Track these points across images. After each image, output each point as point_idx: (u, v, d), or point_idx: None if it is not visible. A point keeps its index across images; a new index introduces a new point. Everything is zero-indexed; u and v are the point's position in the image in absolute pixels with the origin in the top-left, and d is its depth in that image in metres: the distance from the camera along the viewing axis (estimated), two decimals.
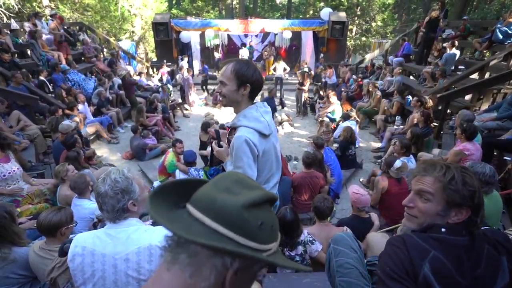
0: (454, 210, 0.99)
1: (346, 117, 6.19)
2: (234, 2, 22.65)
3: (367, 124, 7.39)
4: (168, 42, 11.90)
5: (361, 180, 4.91)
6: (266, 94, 7.44)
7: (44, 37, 7.96)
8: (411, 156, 4.07)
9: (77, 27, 11.04)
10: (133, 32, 18.61)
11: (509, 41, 6.27)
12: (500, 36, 6.40)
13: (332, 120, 6.78)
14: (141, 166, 5.44)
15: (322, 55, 11.84)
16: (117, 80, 8.36)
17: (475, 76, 6.24)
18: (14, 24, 8.04)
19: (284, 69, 10.11)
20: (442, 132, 5.37)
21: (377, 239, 1.65)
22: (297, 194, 3.76)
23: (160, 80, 10.31)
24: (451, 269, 0.92)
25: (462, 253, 0.95)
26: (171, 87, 9.59)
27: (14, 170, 3.38)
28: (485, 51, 7.17)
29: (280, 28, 12.08)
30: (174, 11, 21.30)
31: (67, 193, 3.03)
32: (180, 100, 8.97)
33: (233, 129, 1.58)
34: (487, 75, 6.00)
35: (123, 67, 9.87)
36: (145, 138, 5.93)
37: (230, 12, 21.77)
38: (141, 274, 1.20)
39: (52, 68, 7.01)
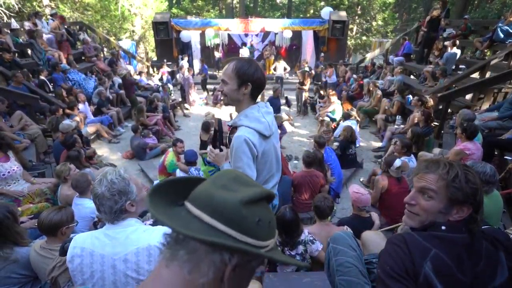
0: (456, 208, 0.99)
1: (346, 116, 6.19)
2: (235, 2, 22.62)
3: (367, 124, 7.39)
4: (168, 41, 11.90)
5: (361, 179, 4.91)
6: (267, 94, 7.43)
7: (45, 36, 7.96)
8: (412, 155, 4.07)
9: (77, 27, 11.05)
10: (133, 31, 18.60)
11: (510, 40, 6.25)
12: (501, 35, 6.38)
13: (333, 119, 6.78)
14: (142, 166, 5.44)
15: (322, 54, 11.83)
16: (117, 80, 8.36)
17: (476, 75, 6.23)
18: (14, 24, 8.04)
19: (285, 69, 10.10)
20: (442, 132, 5.37)
21: (372, 237, 1.65)
22: (297, 193, 3.76)
23: (160, 79, 10.31)
24: (452, 267, 0.92)
25: (462, 250, 0.95)
26: (171, 87, 9.60)
27: (13, 169, 3.38)
28: (486, 50, 7.16)
29: (280, 27, 12.07)
30: (174, 10, 21.29)
31: (68, 193, 3.04)
32: (180, 100, 8.98)
33: (234, 128, 1.57)
34: (488, 75, 5.98)
35: (123, 67, 9.87)
36: (146, 138, 5.94)
37: (230, 11, 21.75)
38: (140, 274, 1.20)
39: (53, 67, 7.02)
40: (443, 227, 0.99)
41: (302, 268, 2.28)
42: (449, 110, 5.65)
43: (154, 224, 1.87)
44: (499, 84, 5.66)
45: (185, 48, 12.29)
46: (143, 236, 1.24)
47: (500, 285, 0.94)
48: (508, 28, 6.32)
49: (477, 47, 7.33)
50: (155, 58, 14.35)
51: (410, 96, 6.93)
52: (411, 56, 9.31)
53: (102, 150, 6.04)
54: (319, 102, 8.35)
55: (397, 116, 6.40)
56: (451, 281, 0.91)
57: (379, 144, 6.16)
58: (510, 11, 6.83)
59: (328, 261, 1.45)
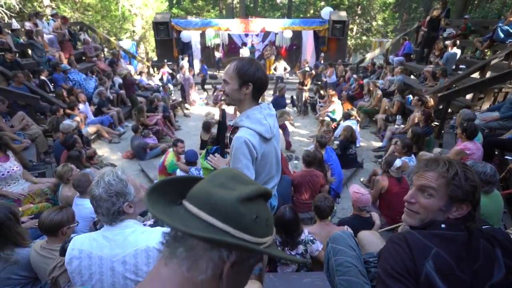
0: (455, 205, 1.00)
1: (347, 116, 6.19)
2: (235, 2, 22.62)
3: (367, 124, 7.38)
4: (168, 41, 11.91)
5: (361, 179, 4.91)
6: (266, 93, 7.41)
7: (45, 36, 7.96)
8: (412, 155, 4.07)
9: (78, 27, 11.05)
10: (133, 31, 18.61)
11: (511, 40, 6.24)
12: (502, 35, 6.37)
13: (333, 119, 6.77)
14: (142, 166, 5.44)
15: (322, 54, 11.83)
16: (118, 80, 8.37)
17: (476, 75, 6.22)
18: (15, 24, 8.05)
19: (285, 69, 10.10)
20: (443, 132, 5.36)
21: (368, 237, 1.66)
22: (297, 193, 3.76)
23: (161, 79, 10.32)
24: (453, 265, 0.92)
25: (461, 248, 0.95)
26: (171, 87, 9.61)
27: (13, 169, 3.38)
28: (486, 50, 7.15)
29: (280, 27, 12.07)
30: (174, 10, 21.30)
31: (68, 194, 3.03)
32: (180, 100, 8.98)
33: (235, 128, 1.56)
34: (488, 74, 5.98)
35: (124, 67, 9.88)
36: (146, 138, 5.94)
37: (230, 11, 21.75)
38: (139, 276, 1.19)
39: (53, 67, 7.03)
40: (442, 226, 0.99)
41: (301, 266, 2.28)
42: (449, 110, 5.65)
43: (155, 223, 1.87)
44: (499, 84, 5.66)
45: (186, 48, 12.29)
46: (141, 238, 1.22)
47: (497, 283, 0.95)
48: (508, 28, 6.32)
49: (477, 47, 7.32)
50: (155, 58, 14.36)
51: (410, 96, 6.93)
52: (411, 56, 9.31)
53: (102, 150, 6.04)
54: (319, 102, 8.35)
55: (397, 116, 6.40)
56: (452, 280, 0.92)
57: (379, 144, 6.16)
58: (510, 11, 6.82)
59: (328, 261, 1.45)
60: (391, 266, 0.95)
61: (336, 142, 5.60)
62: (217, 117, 7.80)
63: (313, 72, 10.43)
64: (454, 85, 6.08)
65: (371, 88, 7.56)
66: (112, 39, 13.42)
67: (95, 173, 3.84)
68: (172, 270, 0.52)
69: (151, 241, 1.21)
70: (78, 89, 7.03)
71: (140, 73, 10.24)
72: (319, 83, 10.01)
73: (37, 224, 1.98)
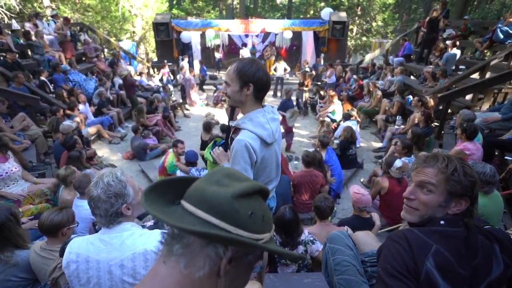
0: (454, 201, 1.00)
1: (347, 117, 6.19)
2: (235, 2, 22.66)
3: (368, 124, 7.39)
4: (168, 42, 11.92)
5: (362, 180, 4.91)
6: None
7: (45, 37, 7.97)
8: (413, 156, 4.07)
9: (78, 28, 11.07)
10: (133, 32, 18.62)
11: (510, 41, 6.26)
12: (501, 36, 6.38)
13: (333, 120, 6.78)
14: (142, 166, 5.44)
15: (322, 55, 11.84)
16: (118, 80, 8.37)
17: (476, 76, 6.23)
18: (15, 25, 8.06)
19: (285, 69, 10.10)
20: (443, 132, 5.37)
21: (363, 237, 1.66)
22: (297, 193, 3.77)
23: (161, 80, 10.33)
24: (452, 262, 0.92)
25: (461, 245, 0.96)
26: (171, 87, 9.61)
27: (12, 170, 3.37)
28: (486, 51, 7.16)
29: (280, 28, 12.08)
30: (174, 11, 21.31)
31: (68, 197, 3.02)
32: (180, 100, 8.99)
33: (237, 128, 1.55)
34: (488, 75, 5.98)
35: (124, 67, 9.89)
36: (146, 138, 5.94)
37: (230, 12, 21.78)
38: (137, 279, 1.19)
39: (53, 68, 7.03)
40: (442, 222, 0.99)
41: (301, 266, 2.28)
42: (449, 111, 5.65)
43: (155, 225, 1.87)
44: (499, 85, 5.66)
45: (186, 49, 12.30)
46: (139, 241, 1.21)
47: (496, 278, 0.95)
48: (507, 28, 6.33)
49: (477, 47, 7.34)
50: (155, 59, 14.36)
51: (410, 97, 6.94)
52: (411, 56, 9.32)
53: (102, 151, 6.04)
54: (320, 103, 8.35)
55: (397, 117, 6.40)
56: (453, 276, 0.92)
57: (379, 145, 6.16)
58: (510, 11, 6.84)
59: (326, 261, 1.45)
60: (391, 265, 0.95)
61: (336, 142, 5.60)
62: (217, 117, 7.81)
63: (313, 72, 10.45)
64: (454, 86, 6.09)
65: (371, 89, 7.57)
66: (112, 39, 13.43)
67: (96, 174, 3.84)
68: (170, 268, 0.53)
69: (149, 244, 1.20)
70: (78, 90, 7.03)
71: (140, 74, 10.25)
72: (319, 83, 10.02)
73: (37, 225, 1.98)
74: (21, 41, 7.56)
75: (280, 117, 5.85)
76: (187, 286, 0.52)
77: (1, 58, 6.42)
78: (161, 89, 9.06)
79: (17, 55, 6.82)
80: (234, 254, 0.53)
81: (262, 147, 1.46)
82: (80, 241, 1.25)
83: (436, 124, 5.50)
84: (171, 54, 12.04)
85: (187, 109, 8.87)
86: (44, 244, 1.86)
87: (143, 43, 19.21)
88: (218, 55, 13.32)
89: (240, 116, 1.55)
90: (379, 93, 7.21)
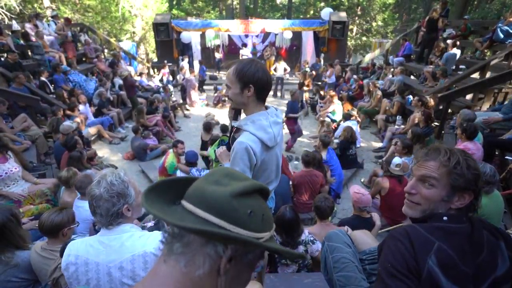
0: (457, 195, 0.97)
1: (347, 117, 6.20)
2: (235, 3, 22.67)
3: (368, 124, 7.39)
4: (168, 42, 11.93)
5: (362, 180, 4.91)
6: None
7: (46, 38, 7.98)
8: (413, 156, 4.07)
9: (78, 28, 11.08)
10: (133, 32, 18.63)
11: (510, 41, 6.25)
12: (501, 36, 6.38)
13: (333, 120, 6.78)
14: (142, 167, 5.45)
15: (322, 55, 11.83)
16: (118, 81, 8.38)
17: (476, 75, 6.23)
18: (15, 25, 8.07)
19: (285, 69, 10.11)
20: (443, 132, 5.37)
21: (360, 236, 1.66)
22: (297, 194, 3.77)
23: (161, 80, 10.34)
24: (455, 259, 0.90)
25: (465, 241, 0.93)
26: (171, 88, 9.62)
27: (11, 170, 3.37)
28: (486, 51, 7.15)
29: (280, 28, 12.09)
30: (174, 11, 21.31)
31: (68, 200, 3.01)
32: (181, 101, 8.99)
33: (239, 128, 1.54)
34: (488, 75, 5.98)
35: (124, 68, 9.90)
36: (146, 139, 5.94)
37: (230, 12, 21.79)
38: (136, 281, 1.18)
39: (53, 68, 7.04)
40: (445, 218, 0.96)
41: (301, 266, 2.28)
42: (449, 110, 5.65)
43: (155, 225, 1.87)
44: (499, 84, 5.66)
45: (186, 49, 12.31)
46: (138, 243, 1.21)
47: (501, 275, 0.92)
48: (508, 28, 6.32)
49: (477, 47, 7.33)
50: (155, 59, 14.37)
51: (411, 97, 6.94)
52: (411, 56, 9.32)
53: (102, 151, 6.05)
54: (320, 103, 8.35)
55: (398, 117, 6.40)
56: (455, 273, 0.89)
57: (379, 145, 6.16)
58: (510, 11, 6.83)
59: (325, 260, 1.45)
60: (392, 264, 0.92)
61: (336, 141, 5.60)
62: (217, 118, 7.82)
63: (314, 72, 10.45)
64: (454, 86, 6.09)
65: (371, 89, 7.57)
66: (112, 40, 13.44)
67: (96, 174, 3.84)
68: (170, 267, 0.53)
69: (148, 246, 1.20)
70: (78, 90, 7.04)
71: (140, 74, 10.26)
72: (320, 83, 10.02)
73: (37, 225, 1.98)
74: (21, 41, 7.57)
75: (285, 118, 5.91)
76: (187, 285, 0.52)
77: (2, 58, 6.43)
78: (161, 89, 9.07)
79: (17, 56, 6.83)
80: (233, 253, 0.53)
81: (263, 150, 1.45)
82: (79, 243, 1.25)
83: (436, 124, 5.51)
84: (171, 55, 12.05)
85: (187, 109, 8.87)
86: (45, 244, 1.86)
87: (143, 44, 19.22)
88: (218, 55, 13.33)
89: (243, 116, 1.54)
90: (379, 93, 7.21)
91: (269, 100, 9.86)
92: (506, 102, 5.27)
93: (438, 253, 0.90)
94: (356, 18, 21.34)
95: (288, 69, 10.55)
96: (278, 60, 10.24)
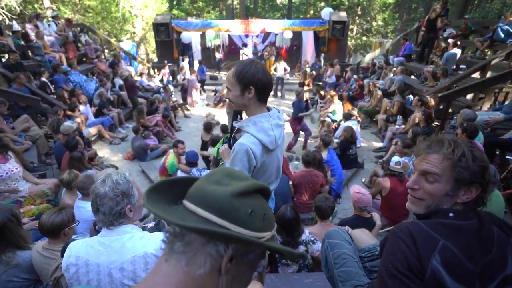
0: (463, 189, 0.91)
1: (347, 117, 6.19)
2: (235, 3, 22.67)
3: (368, 124, 7.39)
4: (169, 42, 11.93)
5: (363, 180, 4.91)
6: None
7: (46, 38, 7.99)
8: (413, 155, 4.07)
9: (78, 29, 11.09)
10: (134, 33, 18.65)
11: (511, 40, 6.24)
12: (502, 35, 6.37)
13: (333, 120, 6.78)
14: (143, 167, 5.45)
15: (323, 55, 11.82)
16: (118, 81, 8.39)
17: (476, 75, 6.22)
18: (16, 26, 8.08)
19: (285, 69, 10.11)
20: (443, 132, 5.36)
21: (358, 234, 1.66)
22: (297, 194, 3.77)
23: (161, 80, 10.34)
24: (461, 257, 0.85)
25: (472, 238, 0.87)
26: (172, 88, 9.63)
27: (12, 171, 3.37)
28: (486, 50, 7.14)
29: (280, 28, 12.08)
30: (174, 11, 21.32)
31: (69, 202, 3.00)
32: (181, 101, 9.00)
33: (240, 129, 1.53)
34: (488, 74, 5.98)
35: (124, 68, 9.91)
36: (146, 139, 5.95)
37: (230, 12, 21.78)
38: (137, 282, 1.17)
39: (54, 69, 7.04)
40: (450, 214, 0.91)
41: (301, 266, 2.28)
42: (449, 110, 5.65)
43: (156, 226, 1.87)
44: (499, 84, 5.65)
45: (186, 49, 12.31)
46: (139, 244, 1.21)
47: (511, 274, 0.87)
48: (508, 27, 6.31)
49: (478, 47, 7.32)
50: (155, 59, 14.38)
51: (411, 96, 6.93)
52: (412, 56, 9.32)
53: (103, 151, 6.05)
54: (320, 103, 8.35)
55: (398, 116, 6.40)
56: (461, 273, 0.85)
57: (380, 144, 6.16)
58: (510, 10, 6.83)
59: (326, 257, 1.44)
60: (393, 264, 0.88)
61: (336, 141, 5.60)
62: (217, 118, 7.82)
63: (314, 72, 10.44)
64: (454, 85, 6.08)
65: (372, 89, 7.57)
66: (113, 40, 13.45)
67: (97, 175, 3.84)
68: (172, 266, 0.53)
69: (149, 247, 1.20)
70: (79, 91, 7.04)
71: (141, 74, 10.27)
72: (320, 83, 10.02)
73: (37, 226, 1.98)
74: (22, 42, 7.58)
75: (288, 119, 5.93)
76: (188, 284, 0.52)
77: (2, 59, 6.43)
78: (161, 89, 9.08)
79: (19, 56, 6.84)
80: (234, 252, 0.53)
81: (263, 153, 1.44)
82: (80, 244, 1.25)
83: (436, 123, 5.50)
84: (171, 55, 12.05)
85: (188, 110, 8.88)
86: (46, 244, 1.87)
87: (143, 44, 19.23)
88: (218, 55, 13.33)
89: (244, 116, 1.53)
90: (380, 93, 7.21)
91: (270, 100, 9.75)
92: (507, 102, 5.27)
93: (443, 252, 0.85)
94: (356, 18, 21.33)
95: (288, 69, 10.55)
96: (278, 60, 10.24)
